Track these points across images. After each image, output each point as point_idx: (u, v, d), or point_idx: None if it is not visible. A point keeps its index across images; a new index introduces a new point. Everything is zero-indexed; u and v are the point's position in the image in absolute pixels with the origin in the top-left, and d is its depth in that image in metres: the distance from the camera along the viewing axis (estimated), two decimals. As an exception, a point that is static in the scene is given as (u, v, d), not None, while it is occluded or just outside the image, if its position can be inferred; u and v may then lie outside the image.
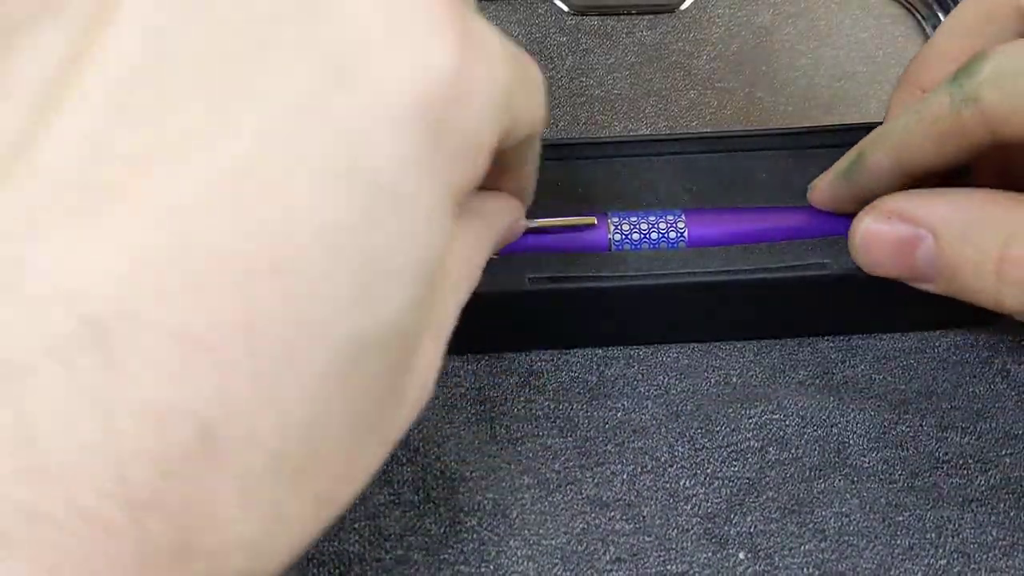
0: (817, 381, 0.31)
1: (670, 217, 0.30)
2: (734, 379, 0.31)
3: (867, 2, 0.39)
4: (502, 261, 0.30)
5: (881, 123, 0.32)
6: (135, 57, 0.14)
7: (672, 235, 0.30)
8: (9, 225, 0.13)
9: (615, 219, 0.30)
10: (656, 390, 0.30)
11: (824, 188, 0.30)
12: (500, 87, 0.17)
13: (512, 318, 0.31)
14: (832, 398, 0.30)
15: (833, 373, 0.31)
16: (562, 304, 0.31)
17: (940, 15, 0.37)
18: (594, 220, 0.30)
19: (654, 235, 0.30)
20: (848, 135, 0.31)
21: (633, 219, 0.30)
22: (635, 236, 0.30)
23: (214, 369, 0.14)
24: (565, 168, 0.34)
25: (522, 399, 0.30)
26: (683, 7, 0.39)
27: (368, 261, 0.15)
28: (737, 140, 0.33)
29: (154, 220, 0.14)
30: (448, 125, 0.16)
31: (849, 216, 0.28)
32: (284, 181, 0.14)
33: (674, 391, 0.30)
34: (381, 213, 0.15)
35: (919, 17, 0.38)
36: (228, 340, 0.14)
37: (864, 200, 0.28)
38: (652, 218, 0.30)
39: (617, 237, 0.30)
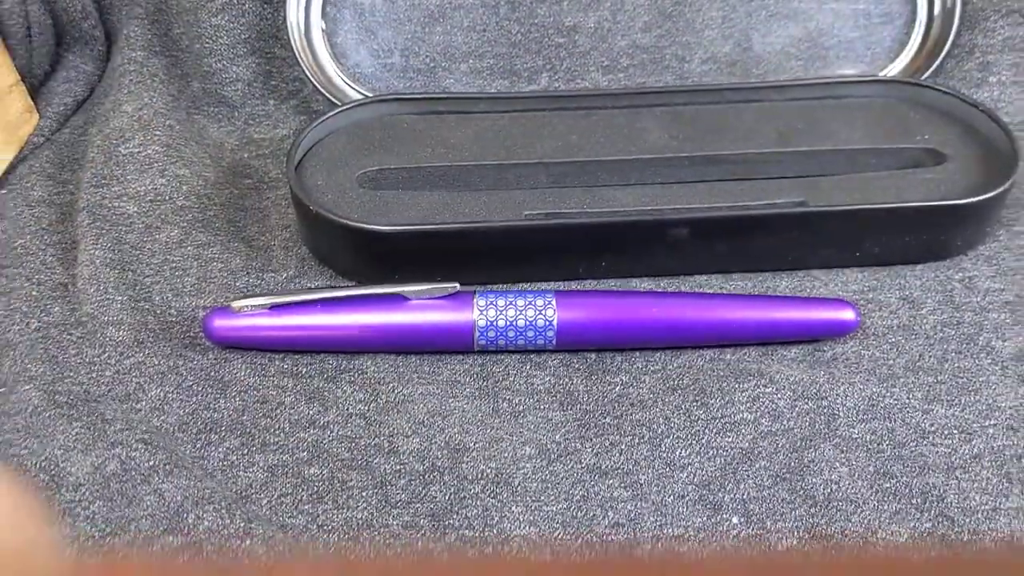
0: (808, 357, 0.32)
1: (540, 302, 0.31)
2: (728, 355, 0.32)
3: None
4: (495, 196, 0.34)
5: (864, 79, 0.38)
6: None
7: (541, 323, 0.31)
8: None
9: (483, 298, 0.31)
10: (653, 365, 0.32)
11: None
12: None
13: (509, 251, 0.34)
14: (823, 373, 0.31)
15: (823, 350, 0.32)
16: (556, 237, 0.33)
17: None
18: (456, 285, 0.31)
19: (521, 322, 0.31)
20: (822, 88, 0.38)
21: (500, 302, 0.31)
22: (501, 322, 0.31)
23: None
24: (553, 119, 0.37)
25: (523, 375, 0.31)
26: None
27: None
28: (721, 92, 0.38)
29: None
30: None
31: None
32: None
33: (671, 366, 0.31)
34: None
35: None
36: None
37: None
38: (521, 301, 0.31)
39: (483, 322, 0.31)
